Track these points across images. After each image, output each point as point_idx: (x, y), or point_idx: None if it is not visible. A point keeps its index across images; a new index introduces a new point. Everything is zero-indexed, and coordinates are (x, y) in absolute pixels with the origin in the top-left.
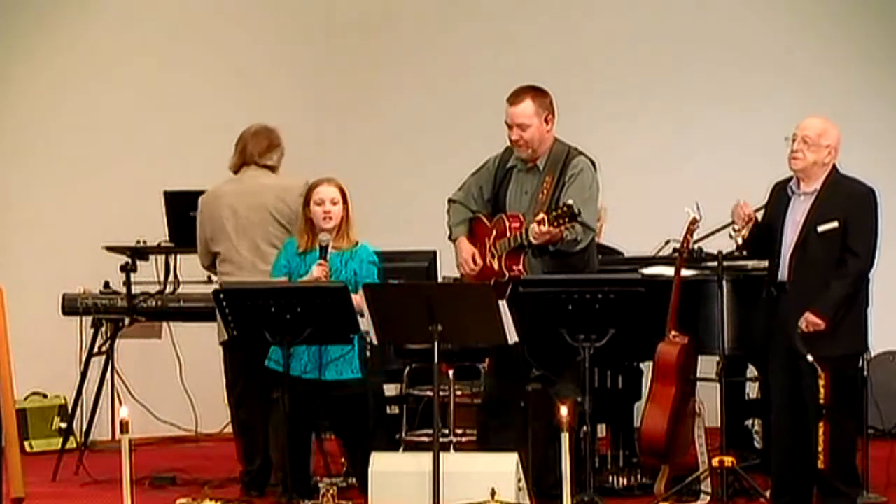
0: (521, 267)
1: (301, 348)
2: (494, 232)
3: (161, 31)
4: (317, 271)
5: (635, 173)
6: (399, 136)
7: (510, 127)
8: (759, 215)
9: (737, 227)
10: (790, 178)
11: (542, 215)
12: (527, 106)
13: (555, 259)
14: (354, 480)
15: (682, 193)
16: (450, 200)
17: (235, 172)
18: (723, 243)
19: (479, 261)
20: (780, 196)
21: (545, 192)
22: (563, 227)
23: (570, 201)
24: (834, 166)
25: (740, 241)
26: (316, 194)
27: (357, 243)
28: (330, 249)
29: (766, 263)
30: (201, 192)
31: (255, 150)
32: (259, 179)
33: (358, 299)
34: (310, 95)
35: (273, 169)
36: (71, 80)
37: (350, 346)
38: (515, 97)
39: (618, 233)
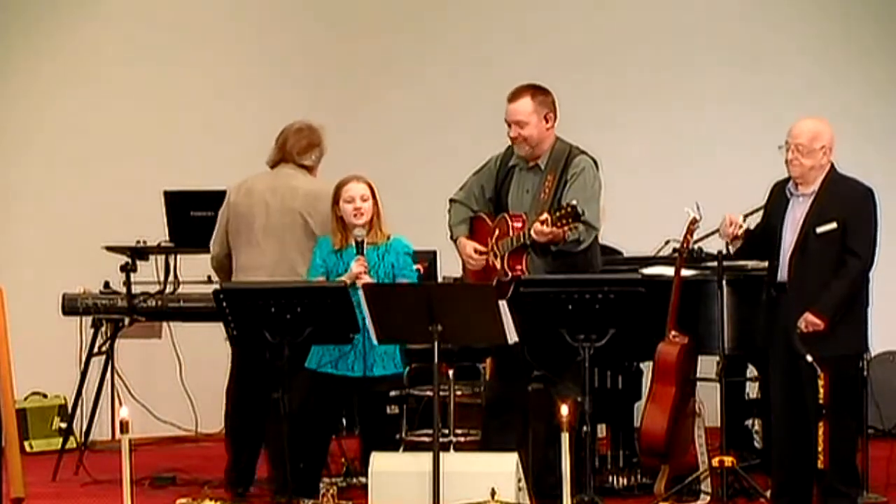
0: (523, 266)
1: (346, 347)
2: (497, 231)
3: (161, 30)
4: (356, 267)
5: (635, 174)
6: (399, 136)
7: (509, 124)
8: (759, 215)
9: (724, 238)
10: (789, 179)
11: (545, 215)
12: (525, 103)
13: (557, 259)
14: (356, 480)
15: (682, 193)
16: (451, 200)
17: (272, 167)
18: (723, 243)
19: (481, 249)
20: (779, 196)
21: (547, 191)
22: (565, 228)
23: (574, 201)
24: (832, 165)
25: (733, 249)
26: (345, 192)
27: (390, 237)
28: (366, 244)
29: (765, 264)
30: (202, 193)
31: (295, 148)
32: (293, 180)
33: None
34: (309, 95)
35: (310, 169)
36: (71, 80)
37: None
38: (514, 95)
39: (618, 233)
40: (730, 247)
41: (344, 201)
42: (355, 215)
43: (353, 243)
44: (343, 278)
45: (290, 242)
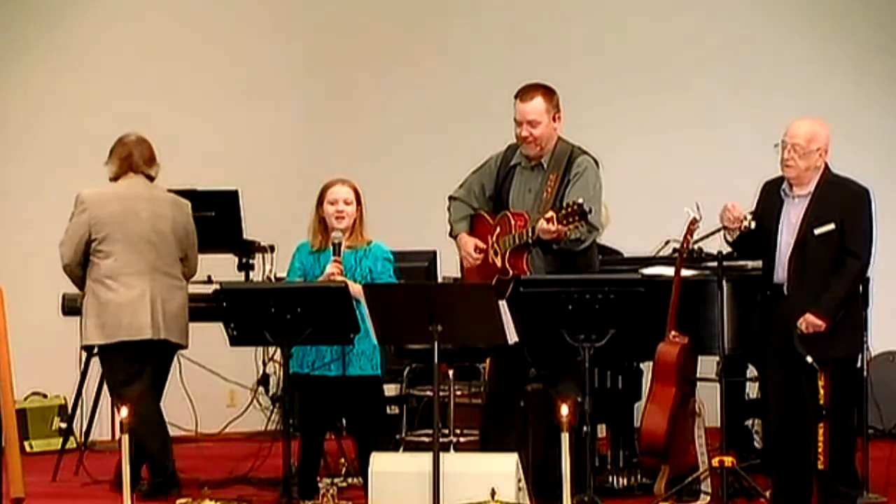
0: (523, 265)
1: (323, 347)
2: (498, 229)
3: (161, 30)
4: (330, 268)
5: (635, 174)
6: (399, 135)
7: (520, 124)
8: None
9: (729, 227)
10: (781, 179)
11: (550, 213)
12: (538, 103)
13: (558, 258)
14: (356, 480)
15: (682, 193)
16: (450, 198)
17: (115, 179)
18: (723, 243)
19: (481, 245)
20: (772, 197)
21: (549, 190)
22: (570, 226)
23: (581, 200)
24: (826, 166)
25: (729, 238)
26: (330, 194)
27: (370, 242)
28: (343, 247)
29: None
30: (202, 192)
31: (141, 159)
32: (151, 190)
33: (356, 289)
34: (309, 95)
35: (153, 180)
36: (70, 80)
37: (371, 342)
38: (526, 94)
39: (618, 233)
40: (727, 235)
41: (328, 202)
42: (337, 218)
43: (332, 245)
44: (319, 280)
45: (165, 247)
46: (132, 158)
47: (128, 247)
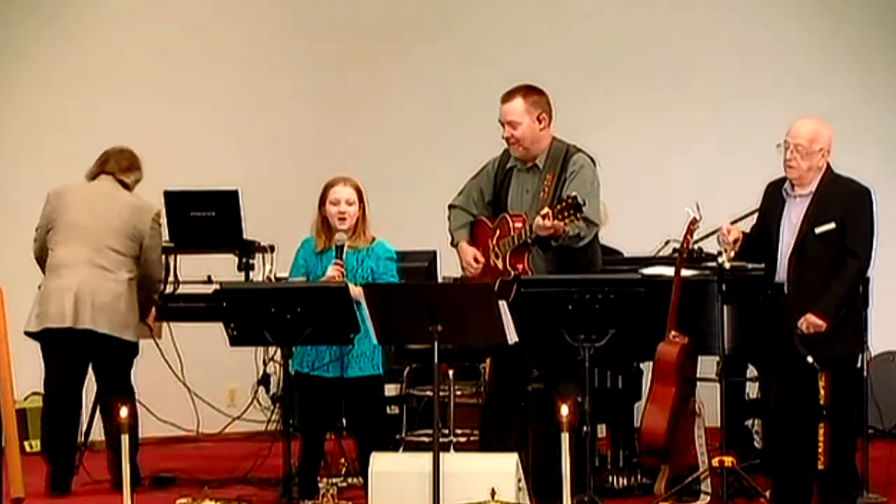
0: (525, 265)
1: (322, 347)
2: (498, 232)
3: (162, 30)
4: (332, 271)
5: (635, 173)
6: (399, 136)
7: (503, 125)
8: (751, 219)
9: (726, 249)
10: (783, 179)
11: (546, 209)
12: (517, 103)
13: (559, 256)
14: (356, 480)
15: (682, 193)
16: (450, 206)
17: (91, 179)
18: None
19: (480, 259)
20: (774, 197)
21: (546, 190)
22: (567, 221)
23: (574, 193)
24: (828, 166)
25: (732, 254)
26: (332, 194)
27: (374, 239)
28: (346, 249)
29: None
30: (202, 193)
31: (117, 165)
32: (117, 192)
33: (357, 291)
34: (309, 95)
35: (128, 188)
36: (71, 80)
37: (371, 343)
38: (507, 95)
39: (618, 233)
40: (732, 252)
41: (330, 203)
42: (339, 219)
43: (334, 247)
44: (320, 281)
45: (111, 245)
46: (108, 163)
47: (71, 238)
